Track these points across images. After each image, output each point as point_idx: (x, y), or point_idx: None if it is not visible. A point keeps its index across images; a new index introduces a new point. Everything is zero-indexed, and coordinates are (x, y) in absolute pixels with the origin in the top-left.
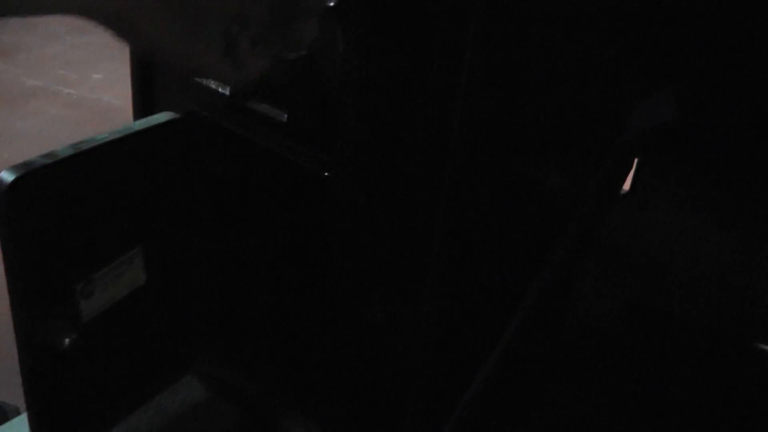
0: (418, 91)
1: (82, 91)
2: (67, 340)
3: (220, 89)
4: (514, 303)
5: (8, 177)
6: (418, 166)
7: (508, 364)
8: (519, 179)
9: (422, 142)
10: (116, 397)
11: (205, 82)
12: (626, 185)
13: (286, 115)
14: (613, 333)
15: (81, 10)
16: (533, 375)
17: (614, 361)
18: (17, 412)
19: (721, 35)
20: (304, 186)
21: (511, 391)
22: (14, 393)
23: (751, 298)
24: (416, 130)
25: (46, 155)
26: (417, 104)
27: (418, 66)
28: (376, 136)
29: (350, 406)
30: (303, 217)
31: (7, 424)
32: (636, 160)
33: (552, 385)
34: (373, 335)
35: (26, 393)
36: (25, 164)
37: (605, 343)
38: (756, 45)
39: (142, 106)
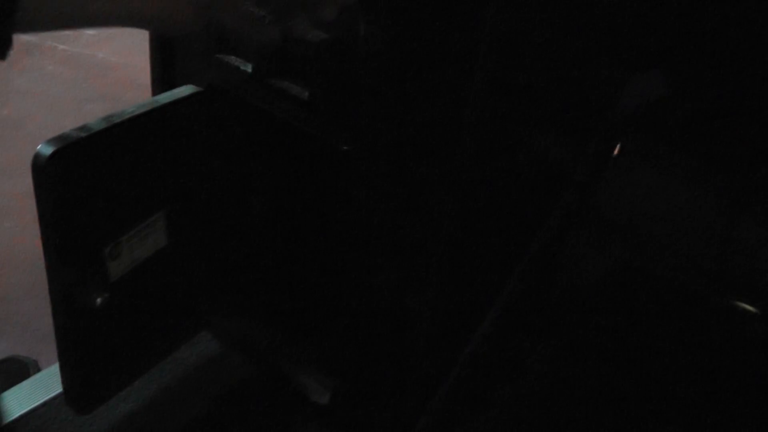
0: (434, 76)
1: (76, 47)
2: (99, 300)
3: (241, 66)
4: (512, 266)
5: (47, 150)
6: (433, 145)
7: (504, 325)
8: (520, 155)
9: (437, 122)
10: (140, 350)
11: (226, 58)
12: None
13: (308, 93)
14: (598, 294)
15: (128, 20)
16: (520, 336)
17: (600, 322)
18: (37, 367)
19: (710, 16)
20: (323, 157)
21: (500, 350)
22: (30, 348)
23: (734, 260)
24: (431, 111)
25: (80, 128)
26: (433, 88)
27: (435, 50)
28: (394, 113)
29: (360, 360)
30: (320, 187)
31: (34, 378)
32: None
33: (538, 345)
34: (385, 295)
35: (60, 348)
36: (61, 137)
37: (590, 304)
38: (745, 22)
39: (162, 79)
